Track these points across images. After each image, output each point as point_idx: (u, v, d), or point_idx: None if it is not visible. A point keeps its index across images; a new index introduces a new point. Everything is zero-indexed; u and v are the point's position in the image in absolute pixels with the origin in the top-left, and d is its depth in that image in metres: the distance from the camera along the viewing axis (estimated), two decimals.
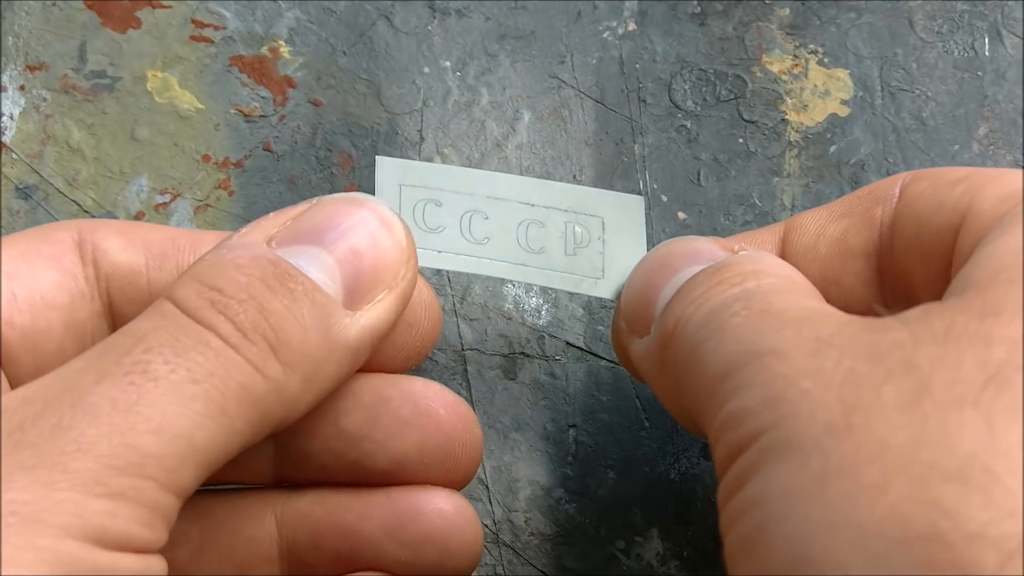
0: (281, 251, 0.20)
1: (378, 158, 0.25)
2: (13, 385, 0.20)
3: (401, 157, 0.31)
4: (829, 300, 0.20)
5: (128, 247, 0.22)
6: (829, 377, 0.16)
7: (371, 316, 0.21)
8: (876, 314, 0.18)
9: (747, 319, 0.18)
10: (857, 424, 0.15)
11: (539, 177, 0.31)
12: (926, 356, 0.15)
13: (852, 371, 0.16)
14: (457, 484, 0.23)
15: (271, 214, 0.21)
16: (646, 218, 0.30)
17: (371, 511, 0.22)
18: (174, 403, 0.17)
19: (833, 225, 0.23)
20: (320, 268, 0.20)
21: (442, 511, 0.22)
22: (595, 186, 0.30)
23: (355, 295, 0.21)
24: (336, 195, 0.22)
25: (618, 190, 0.30)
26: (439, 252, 0.25)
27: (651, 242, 0.30)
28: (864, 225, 0.22)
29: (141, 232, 0.22)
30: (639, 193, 0.30)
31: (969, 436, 0.14)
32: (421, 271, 0.24)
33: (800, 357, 0.16)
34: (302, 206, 0.22)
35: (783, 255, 0.23)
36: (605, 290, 0.26)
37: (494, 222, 0.26)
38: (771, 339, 0.17)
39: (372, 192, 0.25)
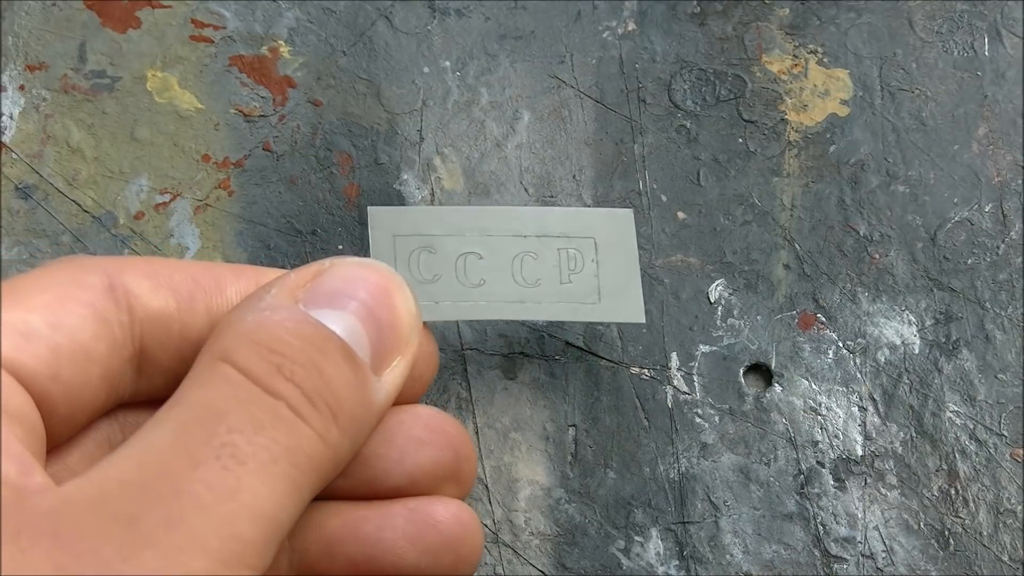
0: (312, 313, 0.21)
1: (370, 209, 0.26)
2: (49, 435, 0.20)
3: (400, 157, 0.31)
4: None
5: (159, 291, 0.22)
6: None
7: (391, 379, 0.22)
8: None
9: None
10: None
11: (538, 177, 0.31)
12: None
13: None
14: (461, 496, 0.24)
15: (291, 273, 0.22)
16: (646, 218, 0.30)
17: (390, 521, 0.22)
18: (264, 487, 0.18)
19: None
20: (349, 332, 0.21)
21: (461, 518, 0.23)
22: (595, 186, 0.31)
23: (379, 360, 0.22)
24: (349, 259, 0.23)
25: (617, 190, 0.31)
26: (437, 303, 0.26)
27: (647, 247, 0.30)
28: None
29: (165, 272, 0.22)
30: (639, 193, 0.30)
31: None
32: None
33: None
34: (315, 267, 0.22)
35: None
36: (601, 314, 0.26)
37: (488, 261, 0.26)
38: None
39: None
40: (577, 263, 0.27)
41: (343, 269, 0.22)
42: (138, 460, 0.18)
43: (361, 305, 0.22)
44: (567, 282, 0.26)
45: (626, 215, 0.27)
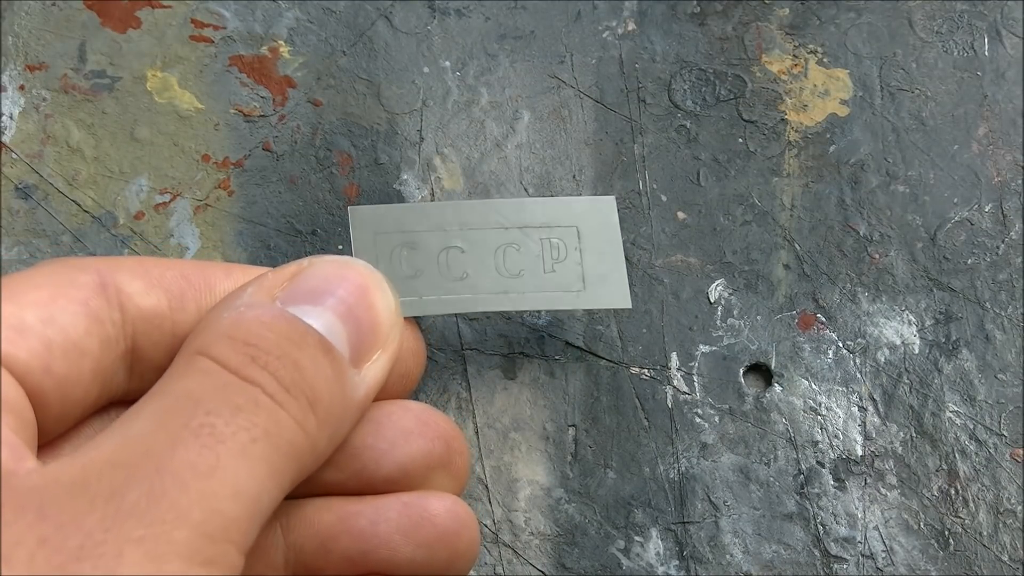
0: (290, 310, 0.21)
1: (350, 208, 0.26)
2: (41, 430, 0.20)
3: (400, 157, 0.31)
4: None
5: (150, 290, 0.22)
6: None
7: (371, 374, 0.22)
8: None
9: None
10: None
11: (538, 177, 0.31)
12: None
13: None
14: (456, 491, 0.24)
15: (268, 273, 0.22)
16: (645, 218, 0.30)
17: (384, 514, 0.22)
18: (244, 466, 0.18)
19: None
20: (327, 328, 0.21)
21: (455, 513, 0.23)
22: (595, 186, 0.31)
23: (358, 355, 0.22)
24: (328, 257, 0.23)
25: (617, 190, 0.31)
26: (421, 298, 0.26)
27: (637, 242, 0.30)
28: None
29: (156, 270, 0.22)
30: (639, 193, 0.30)
31: None
32: (406, 317, 0.25)
33: None
34: (293, 267, 0.22)
35: None
36: (587, 301, 0.27)
37: (470, 255, 0.26)
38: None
39: (348, 241, 0.26)
40: (560, 252, 0.27)
41: (321, 267, 0.22)
42: (120, 442, 0.18)
43: (339, 302, 0.22)
44: (551, 271, 0.27)
45: (608, 202, 0.27)
